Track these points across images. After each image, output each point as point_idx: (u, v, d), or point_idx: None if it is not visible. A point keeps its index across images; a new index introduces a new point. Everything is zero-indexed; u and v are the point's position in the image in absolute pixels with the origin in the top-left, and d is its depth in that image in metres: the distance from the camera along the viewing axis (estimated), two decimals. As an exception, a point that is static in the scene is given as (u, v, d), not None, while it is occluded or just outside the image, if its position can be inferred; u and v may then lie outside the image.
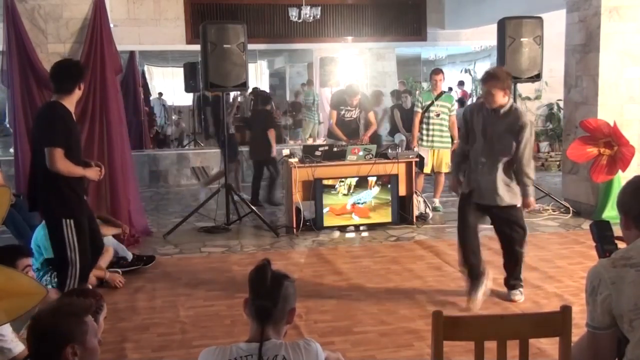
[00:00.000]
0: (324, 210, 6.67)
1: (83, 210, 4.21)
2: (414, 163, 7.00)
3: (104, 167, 6.21)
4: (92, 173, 4.25)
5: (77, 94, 4.19)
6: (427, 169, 7.56)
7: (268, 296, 2.15)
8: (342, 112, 7.82)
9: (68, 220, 4.09)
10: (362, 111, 7.95)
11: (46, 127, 4.05)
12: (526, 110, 11.45)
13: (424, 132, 7.53)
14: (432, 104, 7.49)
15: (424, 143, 7.52)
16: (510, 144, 4.39)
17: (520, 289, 4.77)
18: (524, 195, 4.54)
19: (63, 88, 4.12)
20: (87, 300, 2.21)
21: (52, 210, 4.13)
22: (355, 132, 7.87)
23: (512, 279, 4.76)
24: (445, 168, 7.48)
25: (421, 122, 7.55)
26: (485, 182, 4.51)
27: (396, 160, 6.85)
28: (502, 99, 4.36)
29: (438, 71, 7.64)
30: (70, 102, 4.15)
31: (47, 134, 4.02)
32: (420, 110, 7.58)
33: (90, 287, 4.91)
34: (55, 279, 4.86)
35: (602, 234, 2.27)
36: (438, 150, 7.47)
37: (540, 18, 7.41)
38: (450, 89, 15.53)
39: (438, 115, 7.46)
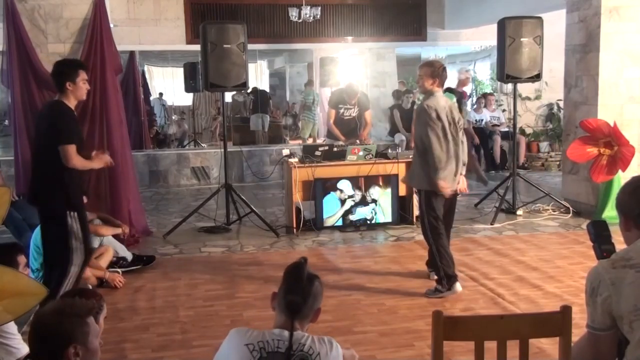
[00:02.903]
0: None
1: (82, 206, 4.33)
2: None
3: (105, 167, 6.26)
4: (99, 162, 4.39)
5: (72, 91, 4.19)
6: None
7: (301, 293, 2.25)
8: (341, 111, 7.81)
9: (72, 213, 4.17)
10: (360, 113, 7.92)
11: (56, 125, 4.13)
12: (526, 110, 11.49)
13: None
14: None
15: None
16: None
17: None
18: None
19: (57, 87, 4.24)
20: (89, 301, 2.22)
21: (57, 204, 4.20)
22: (354, 132, 7.86)
23: None
24: None
25: None
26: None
27: (396, 160, 6.85)
28: (428, 85, 4.77)
29: None
30: (69, 100, 4.21)
31: (59, 132, 4.11)
32: None
33: (91, 287, 4.92)
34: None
35: (599, 234, 2.27)
36: None
37: (540, 18, 7.40)
38: (451, 89, 15.51)
39: None
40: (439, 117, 4.65)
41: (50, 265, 4.39)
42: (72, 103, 4.23)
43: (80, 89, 4.22)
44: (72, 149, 4.09)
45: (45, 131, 4.21)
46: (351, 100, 7.73)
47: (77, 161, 4.14)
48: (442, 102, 4.77)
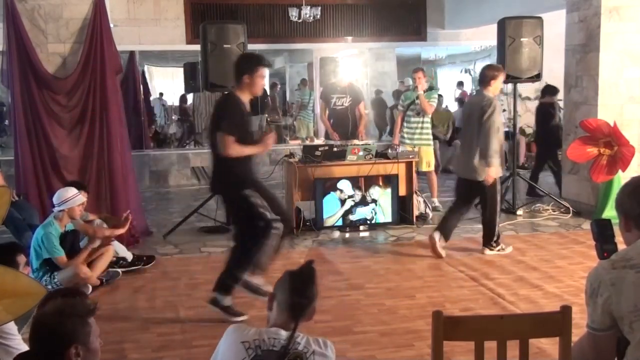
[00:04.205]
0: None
1: (252, 184, 4.42)
2: (414, 163, 7.00)
3: (104, 167, 6.28)
4: (261, 147, 4.47)
5: (248, 85, 4.35)
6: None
7: (307, 295, 2.29)
8: (333, 101, 7.77)
9: (247, 190, 4.32)
10: (354, 104, 7.82)
11: (218, 115, 4.38)
12: (526, 110, 11.48)
13: (405, 129, 7.58)
14: (413, 102, 7.52)
15: (406, 140, 7.56)
16: None
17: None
18: None
19: (235, 78, 4.44)
20: (90, 301, 2.21)
21: (230, 188, 4.39)
22: (350, 129, 7.81)
23: None
24: (427, 167, 7.54)
25: (403, 120, 7.61)
26: None
27: (396, 160, 6.85)
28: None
29: (417, 70, 7.68)
30: (242, 93, 4.38)
31: (219, 120, 4.30)
32: (402, 109, 7.65)
33: (91, 287, 4.93)
34: (55, 280, 4.88)
35: (602, 233, 2.26)
36: (419, 148, 7.48)
37: (540, 18, 7.40)
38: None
39: (418, 113, 7.50)
40: None
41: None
42: (245, 96, 4.39)
43: (256, 84, 4.38)
44: (228, 138, 4.18)
45: (214, 122, 4.42)
46: (341, 83, 7.70)
47: (232, 150, 4.21)
48: None
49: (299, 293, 2.28)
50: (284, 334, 2.19)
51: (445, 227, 5.86)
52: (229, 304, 4.37)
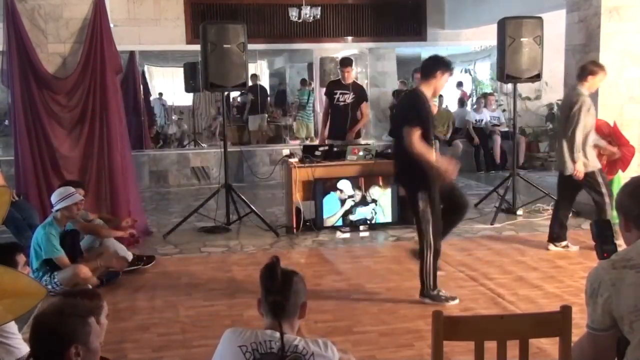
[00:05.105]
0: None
1: (435, 185, 4.50)
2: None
3: (104, 167, 6.29)
4: (442, 165, 4.44)
5: (436, 80, 4.54)
6: None
7: (280, 292, 2.26)
8: (337, 96, 7.68)
9: (422, 193, 4.46)
10: (356, 101, 7.64)
11: (407, 110, 4.61)
12: (526, 110, 11.47)
13: None
14: None
15: None
16: None
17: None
18: None
19: (425, 72, 4.61)
20: (91, 301, 2.21)
21: (410, 185, 4.57)
22: (348, 125, 7.65)
23: None
24: None
25: None
26: None
27: (396, 160, 6.84)
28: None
29: (418, 70, 7.62)
30: (427, 87, 4.56)
31: (407, 116, 4.49)
32: None
33: (91, 287, 4.92)
34: (55, 280, 4.87)
35: (601, 234, 2.26)
36: None
37: (540, 18, 7.40)
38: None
39: None
40: None
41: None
42: (428, 92, 4.57)
43: (441, 84, 4.60)
44: (414, 130, 4.32)
45: (402, 116, 4.63)
46: (344, 73, 7.61)
47: (417, 145, 4.33)
48: None
49: (269, 291, 2.27)
50: (278, 335, 2.19)
51: (554, 232, 5.93)
52: (436, 293, 4.62)
